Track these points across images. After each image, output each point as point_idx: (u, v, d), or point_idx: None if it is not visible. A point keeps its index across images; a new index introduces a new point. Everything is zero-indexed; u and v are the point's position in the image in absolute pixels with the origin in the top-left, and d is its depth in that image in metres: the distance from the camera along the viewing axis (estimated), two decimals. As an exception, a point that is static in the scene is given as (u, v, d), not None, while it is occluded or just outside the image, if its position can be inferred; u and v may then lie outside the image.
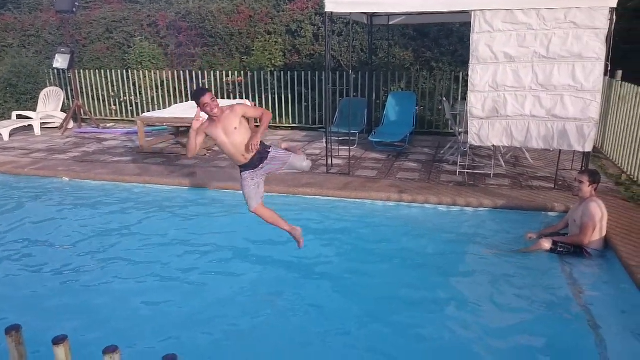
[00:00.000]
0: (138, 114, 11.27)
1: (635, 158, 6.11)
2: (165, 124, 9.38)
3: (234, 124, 4.03)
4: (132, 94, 11.90)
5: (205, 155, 8.33)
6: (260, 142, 4.18)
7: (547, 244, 4.58)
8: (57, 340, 1.30)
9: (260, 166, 4.23)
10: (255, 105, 10.57)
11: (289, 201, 6.17)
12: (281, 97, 10.75)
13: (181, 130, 9.83)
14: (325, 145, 7.38)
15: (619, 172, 6.71)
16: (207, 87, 11.20)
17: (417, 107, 9.39)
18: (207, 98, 3.95)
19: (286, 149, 4.45)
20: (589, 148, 5.72)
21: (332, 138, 7.56)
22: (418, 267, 4.59)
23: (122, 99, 12.01)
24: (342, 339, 3.54)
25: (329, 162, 7.21)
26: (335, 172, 7.12)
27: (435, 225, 5.48)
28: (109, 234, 5.37)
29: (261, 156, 4.20)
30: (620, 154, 6.79)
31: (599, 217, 4.49)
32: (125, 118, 12.01)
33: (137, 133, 8.96)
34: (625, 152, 6.54)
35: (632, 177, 6.23)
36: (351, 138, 7.92)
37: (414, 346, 3.43)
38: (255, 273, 4.54)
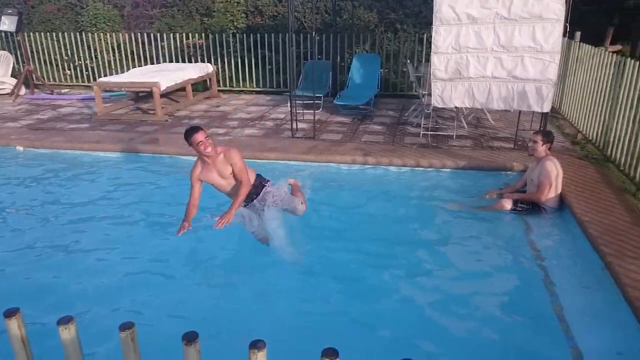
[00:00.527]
0: (94, 79, 10.81)
1: (590, 118, 6.30)
2: (123, 89, 9.05)
3: (229, 169, 3.94)
4: (87, 57, 11.38)
5: (166, 121, 8.12)
6: (257, 174, 4.21)
7: (507, 204, 4.73)
8: (9, 313, 1.26)
9: (254, 201, 4.17)
10: (217, 69, 10.29)
11: (253, 166, 6.11)
12: (244, 60, 10.50)
13: (140, 95, 9.53)
14: (289, 109, 7.30)
15: (575, 132, 6.92)
16: (165, 47, 10.81)
17: (381, 70, 9.35)
18: (200, 136, 3.76)
19: (291, 185, 4.46)
20: (547, 109, 5.85)
21: (297, 102, 7.47)
22: (381, 229, 4.66)
23: (76, 63, 11.48)
24: (302, 302, 3.59)
25: (294, 126, 7.15)
26: (300, 136, 7.08)
27: (398, 187, 5.56)
28: (67, 204, 5.22)
29: (256, 190, 4.15)
30: (576, 114, 6.98)
31: (554, 175, 4.64)
32: (80, 83, 11.52)
33: (94, 99, 8.62)
34: (581, 112, 6.73)
35: (587, 136, 6.44)
36: (316, 101, 7.84)
37: (376, 308, 3.51)
38: (218, 239, 4.50)
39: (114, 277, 3.87)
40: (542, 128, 5.90)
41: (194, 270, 4.00)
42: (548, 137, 4.73)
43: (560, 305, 3.48)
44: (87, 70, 11.45)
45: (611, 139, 5.55)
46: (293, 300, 3.60)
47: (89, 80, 11.29)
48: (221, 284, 3.83)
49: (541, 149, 4.68)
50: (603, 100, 5.82)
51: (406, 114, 8.25)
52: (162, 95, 8.59)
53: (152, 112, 8.49)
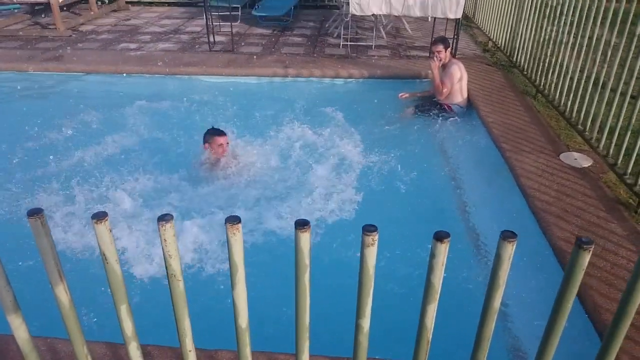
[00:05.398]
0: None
1: (500, 26, 6.55)
2: (16, 1, 8.13)
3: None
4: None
5: (70, 36, 7.48)
6: None
7: (410, 110, 5.05)
8: (33, 213, 1.21)
9: None
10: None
11: (170, 82, 5.91)
12: (153, -31, 9.70)
13: (37, 9, 8.64)
14: (205, 21, 6.96)
15: (486, 40, 7.20)
16: None
17: (300, -21, 9.03)
18: (223, 140, 3.83)
19: None
20: (459, 14, 6.01)
21: (214, 13, 7.12)
22: (300, 140, 4.73)
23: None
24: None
25: (211, 39, 6.86)
26: (219, 50, 6.83)
27: (319, 98, 5.62)
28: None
29: None
30: (488, 22, 7.22)
31: (457, 77, 4.92)
32: (-36, -4, 10.17)
33: (-19, 13, 7.72)
34: (492, 20, 6.97)
35: (497, 43, 6.73)
36: (233, 13, 7.52)
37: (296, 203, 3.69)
38: (135, 149, 4.42)
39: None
40: (455, 36, 6.08)
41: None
42: (446, 42, 4.98)
43: (464, 196, 3.83)
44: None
45: (517, 45, 5.85)
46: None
47: (-27, -8, 9.99)
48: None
49: (445, 54, 4.92)
50: (511, 7, 6.05)
51: (327, 25, 8.15)
52: (62, 8, 7.84)
53: (52, 26, 7.76)
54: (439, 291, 1.14)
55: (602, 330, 2.41)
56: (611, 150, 3.74)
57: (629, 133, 3.52)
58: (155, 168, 4.10)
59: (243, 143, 4.38)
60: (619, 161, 3.62)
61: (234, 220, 1.13)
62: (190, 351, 1.38)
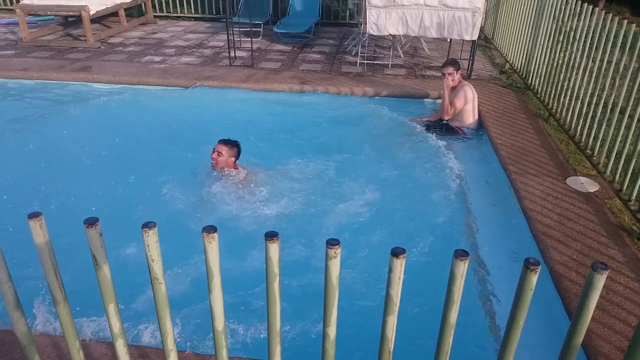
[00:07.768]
0: (17, 1, 10.06)
1: (516, 48, 6.59)
2: (49, 13, 8.53)
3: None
4: (8, -22, 10.52)
5: (99, 48, 7.80)
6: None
7: (421, 130, 5.15)
8: (33, 215, 1.34)
9: None
10: None
11: (190, 94, 6.10)
12: (181, -16, 10.05)
13: (70, 20, 9.03)
14: (227, 36, 7.18)
15: (504, 62, 7.24)
16: None
17: (323, -3, 9.23)
18: (216, 148, 3.97)
19: None
20: (475, 36, 6.08)
21: (237, 29, 7.35)
22: (315, 155, 4.84)
23: (-4, -16, 10.60)
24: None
25: (232, 54, 7.07)
26: (239, 64, 7.03)
27: (331, 115, 5.73)
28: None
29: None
30: (506, 44, 7.26)
31: (469, 98, 4.97)
32: (2, 6, 10.70)
33: (18, 24, 8.10)
34: (509, 42, 7.01)
35: (513, 66, 6.76)
36: (256, 29, 7.74)
37: (306, 227, 3.77)
38: (152, 165, 4.56)
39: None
40: (471, 57, 6.14)
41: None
42: (457, 64, 5.05)
43: (467, 216, 3.86)
44: (9, -8, 10.62)
45: (532, 68, 5.88)
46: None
47: (11, 3, 10.50)
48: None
49: (458, 76, 4.98)
50: (527, 30, 6.09)
51: (346, 43, 8.30)
52: (93, 21, 8.19)
53: (83, 38, 8.11)
54: (398, 303, 1.21)
55: (591, 354, 2.43)
56: (617, 176, 3.74)
57: (634, 159, 3.53)
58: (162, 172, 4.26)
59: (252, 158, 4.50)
60: (624, 187, 3.62)
61: (210, 229, 1.23)
62: (171, 350, 1.48)
